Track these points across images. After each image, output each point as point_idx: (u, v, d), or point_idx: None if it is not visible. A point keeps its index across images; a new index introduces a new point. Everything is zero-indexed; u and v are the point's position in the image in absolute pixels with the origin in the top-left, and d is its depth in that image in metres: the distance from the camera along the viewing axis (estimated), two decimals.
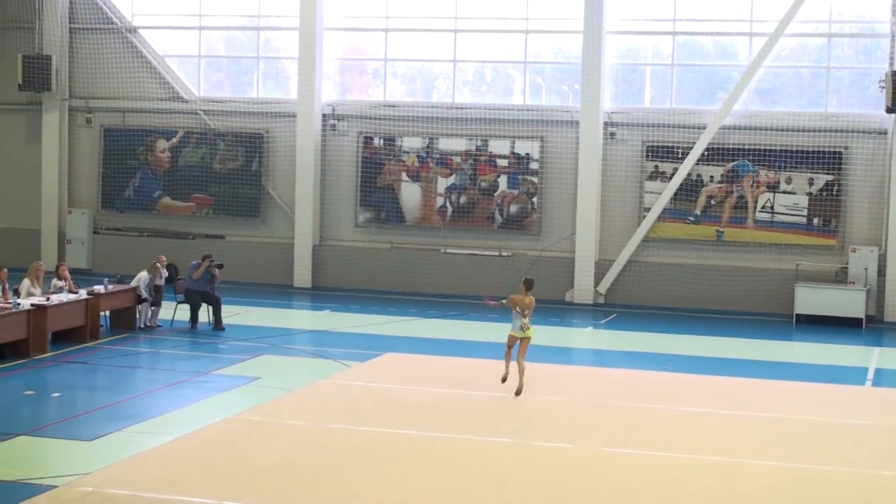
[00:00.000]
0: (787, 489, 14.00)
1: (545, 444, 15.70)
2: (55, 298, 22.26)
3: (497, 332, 23.70)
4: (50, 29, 34.60)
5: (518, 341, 18.71)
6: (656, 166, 31.25)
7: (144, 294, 24.98)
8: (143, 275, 25.25)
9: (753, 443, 16.31)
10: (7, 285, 22.17)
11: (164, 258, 26.47)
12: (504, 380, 18.72)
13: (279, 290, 32.66)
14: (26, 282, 22.74)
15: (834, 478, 14.59)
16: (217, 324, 25.12)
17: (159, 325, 25.36)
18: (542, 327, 27.28)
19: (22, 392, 18.64)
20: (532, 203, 32.11)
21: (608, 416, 17.68)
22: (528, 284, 19.02)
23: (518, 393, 18.45)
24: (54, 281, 23.69)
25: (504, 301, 19.05)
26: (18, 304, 21.24)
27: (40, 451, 15.07)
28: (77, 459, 14.53)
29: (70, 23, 34.99)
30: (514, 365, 18.67)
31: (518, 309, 18.75)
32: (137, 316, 24.99)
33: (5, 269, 22.33)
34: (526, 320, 18.75)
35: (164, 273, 25.86)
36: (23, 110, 35.65)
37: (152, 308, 25.32)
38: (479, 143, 32.40)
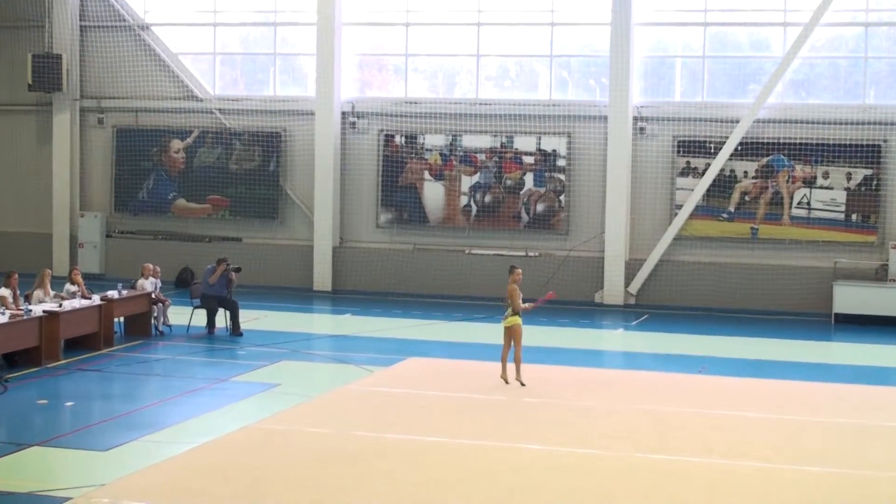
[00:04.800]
0: (828, 495, 13.85)
1: (577, 451, 15.59)
2: (68, 304, 22.24)
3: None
4: (60, 27, 34.67)
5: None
6: (688, 162, 31.10)
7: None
8: (146, 282, 25.28)
9: (793, 447, 16.17)
10: (18, 291, 22.14)
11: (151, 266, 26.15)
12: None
13: (298, 294, 32.63)
14: (38, 293, 22.67)
15: (877, 483, 14.43)
16: (234, 329, 25.08)
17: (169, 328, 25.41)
18: (572, 329, 27.36)
19: (34, 401, 18.61)
20: (559, 201, 32.00)
21: (641, 421, 17.55)
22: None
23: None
24: (67, 286, 23.68)
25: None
26: (30, 310, 21.23)
27: (54, 461, 15.03)
28: (92, 470, 14.49)
29: (81, 21, 35.05)
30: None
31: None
32: (153, 321, 25.03)
33: (16, 275, 22.29)
34: (508, 310, 19.89)
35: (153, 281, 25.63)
36: (33, 111, 35.74)
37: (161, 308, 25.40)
38: (504, 139, 32.30)
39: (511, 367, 19.80)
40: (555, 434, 16.58)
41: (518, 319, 19.61)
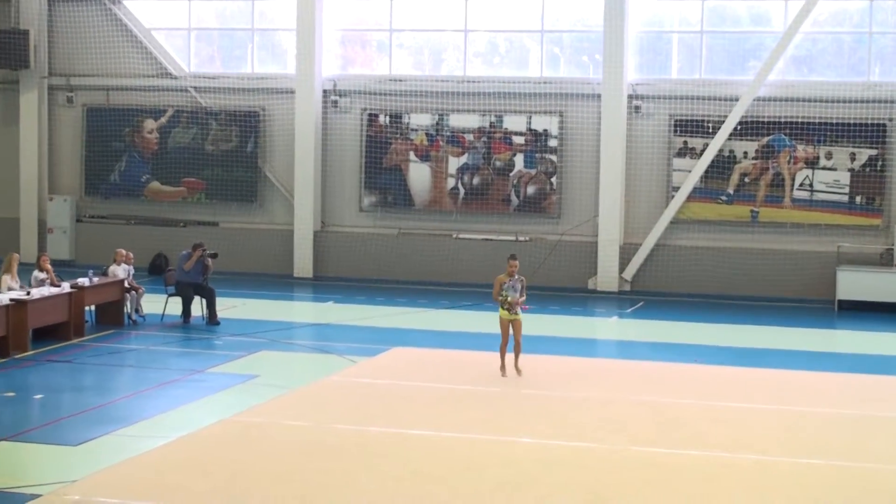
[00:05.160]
0: (831, 489, 13.89)
1: (569, 444, 15.61)
2: (36, 293, 22.18)
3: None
4: (27, 1, 34.50)
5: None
6: (685, 142, 31.12)
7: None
8: (119, 268, 25.24)
9: (794, 439, 16.21)
10: None
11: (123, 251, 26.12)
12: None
13: (278, 281, 32.60)
14: (6, 277, 22.62)
15: (882, 476, 14.47)
16: (211, 318, 25.06)
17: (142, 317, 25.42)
18: (564, 317, 27.37)
19: (2, 394, 18.58)
20: (551, 183, 32.01)
21: (636, 412, 17.58)
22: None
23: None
24: (35, 273, 23.59)
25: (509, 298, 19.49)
26: None
27: (22, 457, 15.01)
28: (62, 466, 14.47)
29: None
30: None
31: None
32: (126, 309, 24.98)
33: None
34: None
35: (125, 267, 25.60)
36: None
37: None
38: (493, 119, 32.29)
39: (510, 356, 19.79)
40: (546, 426, 16.60)
41: (501, 311, 19.49)
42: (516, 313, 19.41)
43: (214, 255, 26.05)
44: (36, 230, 34.94)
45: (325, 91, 33.25)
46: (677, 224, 31.29)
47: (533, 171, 32.11)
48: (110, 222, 34.80)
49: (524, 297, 19.56)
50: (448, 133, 32.57)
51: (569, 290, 31.04)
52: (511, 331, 19.52)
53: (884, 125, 29.99)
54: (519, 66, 33.14)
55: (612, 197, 31.23)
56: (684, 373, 20.99)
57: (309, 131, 32.83)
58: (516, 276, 19.37)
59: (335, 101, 33.27)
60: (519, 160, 32.17)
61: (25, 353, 21.30)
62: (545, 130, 32.00)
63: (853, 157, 30.08)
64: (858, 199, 30.18)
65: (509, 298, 19.32)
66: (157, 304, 25.74)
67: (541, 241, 32.01)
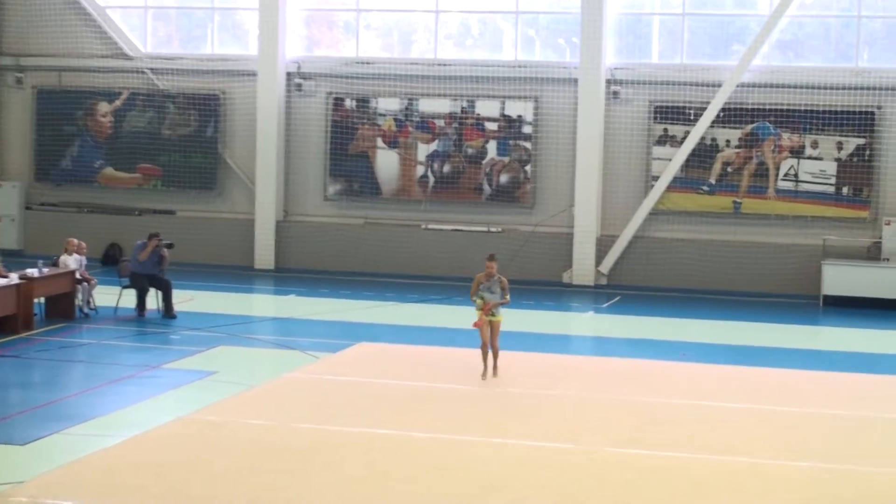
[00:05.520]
0: (818, 492, 13.90)
1: (543, 445, 15.57)
2: None
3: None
4: None
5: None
6: (665, 129, 31.15)
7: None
8: (70, 258, 25.11)
9: (780, 441, 16.22)
10: None
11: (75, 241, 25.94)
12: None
13: (238, 273, 32.53)
14: None
15: (870, 479, 14.49)
16: (167, 311, 24.99)
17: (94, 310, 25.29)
18: (538, 312, 27.35)
19: None
20: (525, 172, 31.99)
21: (614, 412, 17.58)
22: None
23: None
24: None
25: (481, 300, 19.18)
26: None
27: None
28: (9, 466, 14.38)
29: None
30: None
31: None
32: (78, 302, 24.83)
33: None
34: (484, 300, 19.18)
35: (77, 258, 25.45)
36: None
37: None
38: (465, 104, 32.25)
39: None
40: (518, 426, 16.58)
41: (478, 312, 19.26)
42: (492, 314, 19.20)
43: (171, 246, 25.95)
44: None
45: (288, 73, 33.16)
46: (656, 215, 31.33)
47: (506, 159, 32.09)
48: (61, 210, 34.62)
49: (507, 300, 19.29)
50: (417, 118, 32.52)
51: (542, 284, 31.05)
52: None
53: (872, 113, 30.07)
54: (492, 48, 33.12)
55: (589, 186, 31.23)
56: (663, 370, 21.00)
57: (271, 116, 32.73)
58: (495, 277, 19.15)
59: (299, 85, 33.17)
60: (491, 147, 32.15)
61: None
62: (519, 116, 31.98)
63: (840, 147, 30.16)
64: (845, 190, 30.27)
65: (478, 302, 19.12)
66: (111, 296, 25.64)
67: (513, 233, 31.99)
